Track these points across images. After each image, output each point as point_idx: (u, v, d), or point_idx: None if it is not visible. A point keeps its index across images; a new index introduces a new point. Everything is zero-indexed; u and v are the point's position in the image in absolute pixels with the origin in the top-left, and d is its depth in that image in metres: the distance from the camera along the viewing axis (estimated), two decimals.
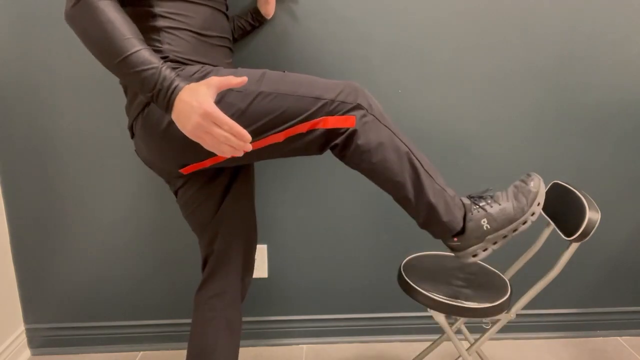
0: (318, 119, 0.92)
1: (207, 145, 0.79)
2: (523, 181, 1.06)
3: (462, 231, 1.02)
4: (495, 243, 1.03)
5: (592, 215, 1.01)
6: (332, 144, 0.95)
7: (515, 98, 1.47)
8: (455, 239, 1.03)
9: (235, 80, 0.80)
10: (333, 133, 0.94)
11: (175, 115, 0.80)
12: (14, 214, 1.50)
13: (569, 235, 1.05)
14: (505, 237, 1.02)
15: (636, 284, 1.68)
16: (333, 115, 0.92)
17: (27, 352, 1.61)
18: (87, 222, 1.52)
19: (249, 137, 0.79)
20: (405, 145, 0.97)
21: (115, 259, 1.56)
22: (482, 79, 1.45)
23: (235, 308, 1.13)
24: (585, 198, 1.05)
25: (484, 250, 1.03)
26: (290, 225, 1.57)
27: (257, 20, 1.33)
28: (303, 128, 0.92)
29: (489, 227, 1.01)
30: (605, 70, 1.46)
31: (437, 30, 1.40)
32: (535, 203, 1.01)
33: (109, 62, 0.80)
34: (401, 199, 1.01)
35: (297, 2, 1.36)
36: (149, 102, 0.92)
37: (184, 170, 1.00)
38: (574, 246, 1.06)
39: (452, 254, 1.13)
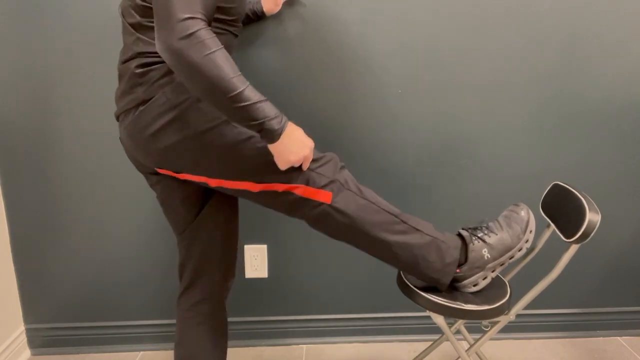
0: (296, 184, 0.96)
1: (290, 162, 0.90)
2: (512, 210, 1.11)
3: (465, 261, 1.07)
4: (493, 271, 1.09)
5: (592, 216, 1.00)
6: (303, 213, 0.99)
7: (516, 99, 1.47)
8: (459, 270, 1.07)
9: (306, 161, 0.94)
10: (306, 203, 0.97)
11: (284, 142, 0.87)
12: (14, 214, 1.50)
13: (569, 237, 1.05)
14: (502, 264, 1.08)
15: (636, 284, 1.67)
16: (311, 186, 0.96)
17: (27, 352, 1.62)
18: (87, 222, 1.52)
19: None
20: (387, 212, 1.01)
21: (115, 259, 1.56)
22: (482, 79, 1.45)
23: (221, 311, 1.13)
24: (585, 199, 1.04)
25: (483, 279, 1.09)
26: (290, 225, 1.57)
27: (257, 15, 1.32)
28: (279, 187, 0.96)
29: (489, 256, 1.06)
30: (605, 71, 1.45)
31: (437, 31, 1.40)
32: (528, 230, 1.08)
33: (217, 97, 0.81)
34: (388, 260, 1.04)
35: (298, 3, 1.36)
36: (145, 101, 0.93)
37: (160, 170, 1.00)
38: (574, 247, 1.05)
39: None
